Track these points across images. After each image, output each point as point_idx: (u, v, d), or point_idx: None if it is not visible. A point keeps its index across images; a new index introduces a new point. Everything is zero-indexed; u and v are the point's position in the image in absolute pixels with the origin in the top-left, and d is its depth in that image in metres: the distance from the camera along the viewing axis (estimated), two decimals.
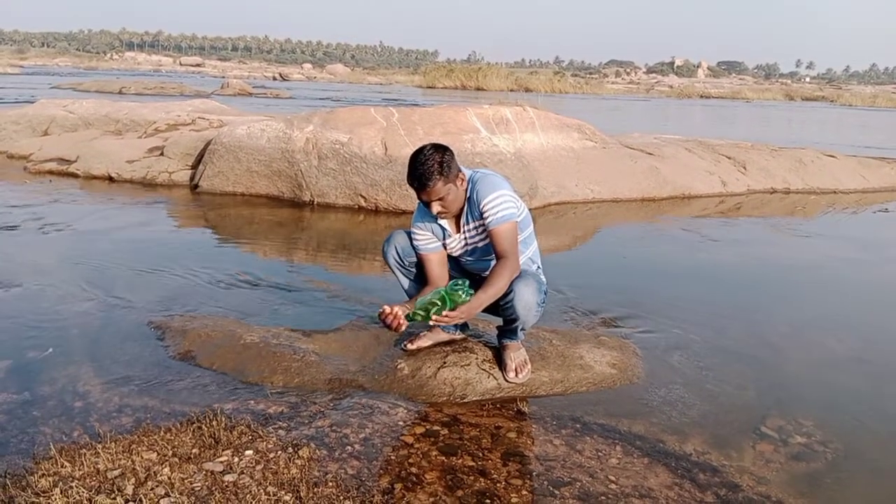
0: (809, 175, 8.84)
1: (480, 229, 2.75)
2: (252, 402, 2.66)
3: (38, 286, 3.97)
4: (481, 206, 2.65)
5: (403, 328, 2.66)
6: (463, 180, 2.69)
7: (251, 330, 3.26)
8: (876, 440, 2.60)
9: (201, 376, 2.88)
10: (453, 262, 2.93)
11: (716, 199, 7.96)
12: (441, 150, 2.63)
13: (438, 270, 2.87)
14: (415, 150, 2.67)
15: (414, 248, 2.87)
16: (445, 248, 2.88)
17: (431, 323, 2.60)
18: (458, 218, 2.79)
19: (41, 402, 2.62)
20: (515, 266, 2.66)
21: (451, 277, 2.88)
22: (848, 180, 8.94)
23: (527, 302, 2.68)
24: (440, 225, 2.80)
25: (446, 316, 2.54)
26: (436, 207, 2.67)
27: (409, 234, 2.89)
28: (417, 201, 2.77)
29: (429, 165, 2.57)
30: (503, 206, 2.62)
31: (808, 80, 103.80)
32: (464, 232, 2.80)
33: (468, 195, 2.71)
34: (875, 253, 5.90)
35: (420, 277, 2.94)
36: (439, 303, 2.53)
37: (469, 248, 2.84)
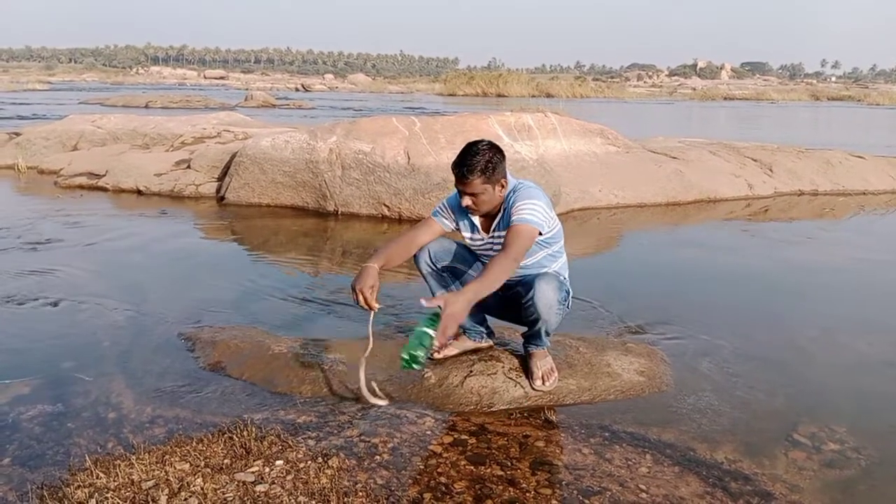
0: (838, 176, 8.71)
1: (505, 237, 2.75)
2: (282, 411, 2.69)
3: (71, 300, 4.04)
4: (514, 207, 2.66)
5: (377, 305, 2.62)
6: (503, 187, 2.70)
7: (279, 340, 3.30)
8: None
9: (231, 387, 2.91)
10: (473, 255, 2.95)
11: (742, 203, 7.88)
12: (494, 149, 2.67)
13: (426, 238, 2.88)
14: (470, 142, 2.70)
15: (433, 212, 2.92)
16: (468, 240, 2.90)
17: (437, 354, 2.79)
18: (491, 220, 2.81)
19: (75, 414, 2.67)
20: (513, 263, 2.53)
21: (467, 275, 2.92)
22: (877, 181, 8.80)
23: (548, 299, 2.67)
24: (471, 220, 2.83)
25: (441, 335, 2.37)
26: (466, 200, 2.70)
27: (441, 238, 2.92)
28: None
29: (476, 160, 2.61)
30: (530, 211, 2.63)
31: (833, 79, 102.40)
32: (492, 236, 2.81)
33: (505, 204, 2.73)
34: None
35: (450, 285, 2.94)
36: (430, 333, 2.40)
37: (494, 252, 2.85)
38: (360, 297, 2.59)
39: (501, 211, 2.75)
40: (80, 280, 4.43)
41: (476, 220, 2.83)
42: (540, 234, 2.67)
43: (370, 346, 2.73)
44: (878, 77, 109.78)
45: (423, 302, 2.43)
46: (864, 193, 8.50)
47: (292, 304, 4.06)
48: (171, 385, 2.93)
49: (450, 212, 2.88)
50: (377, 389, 2.72)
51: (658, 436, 2.53)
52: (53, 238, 5.59)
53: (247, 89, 41.15)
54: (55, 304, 3.97)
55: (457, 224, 2.90)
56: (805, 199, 8.22)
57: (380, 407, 2.68)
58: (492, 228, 2.80)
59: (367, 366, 2.73)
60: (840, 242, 6.13)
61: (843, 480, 2.29)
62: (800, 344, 3.57)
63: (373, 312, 2.66)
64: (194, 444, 2.39)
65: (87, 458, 2.30)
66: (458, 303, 2.35)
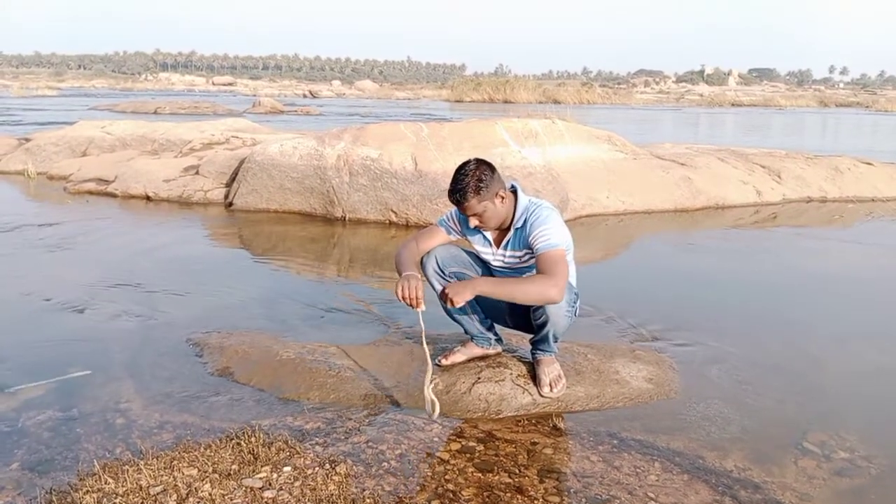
0: (846, 183, 8.67)
1: (517, 257, 2.79)
2: (289, 418, 2.69)
3: (80, 304, 4.06)
4: (530, 239, 2.67)
5: (423, 306, 2.63)
6: (504, 199, 2.70)
7: (287, 346, 3.30)
8: None
9: (239, 392, 2.92)
10: (480, 261, 2.95)
11: (750, 209, 7.85)
12: (482, 167, 2.66)
13: (431, 244, 2.90)
14: (460, 163, 2.72)
15: (439, 220, 2.95)
16: (481, 253, 2.92)
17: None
18: (503, 234, 2.82)
19: (84, 419, 2.68)
20: (552, 287, 2.53)
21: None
22: (886, 188, 8.75)
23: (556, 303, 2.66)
24: (483, 234, 2.84)
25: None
26: (473, 221, 2.73)
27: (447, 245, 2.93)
28: None
29: (465, 183, 2.63)
30: (546, 236, 2.63)
31: (841, 85, 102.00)
32: (503, 252, 2.84)
33: (518, 225, 2.74)
34: None
35: None
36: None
37: (505, 267, 2.87)
38: (412, 294, 2.59)
39: (512, 230, 2.76)
40: (88, 285, 4.45)
41: (488, 234, 2.85)
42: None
43: (429, 364, 2.70)
44: (887, 83, 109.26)
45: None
46: (873, 200, 8.46)
47: (300, 309, 4.07)
48: (179, 391, 2.93)
49: (457, 224, 2.90)
50: (434, 403, 2.68)
51: (667, 443, 2.52)
52: (62, 244, 5.62)
53: (255, 95, 41.33)
54: (64, 310, 3.98)
55: (464, 237, 2.92)
56: (814, 205, 8.19)
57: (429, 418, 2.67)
58: (503, 244, 2.82)
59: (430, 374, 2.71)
60: (849, 250, 6.09)
61: (853, 489, 2.27)
62: (809, 351, 3.54)
63: (420, 313, 2.66)
64: (202, 449, 2.39)
65: (95, 463, 2.31)
66: (461, 294, 2.54)
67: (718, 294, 4.67)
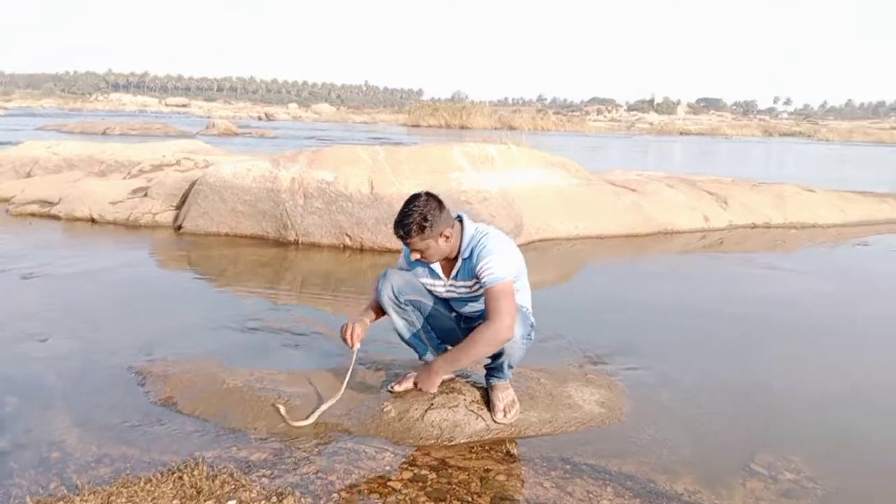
0: (790, 210, 8.95)
1: (467, 287, 2.79)
2: (235, 448, 2.61)
3: (17, 330, 3.89)
4: (476, 271, 2.69)
5: (357, 345, 2.84)
6: (449, 237, 2.71)
7: (234, 374, 3.21)
8: (864, 475, 2.59)
9: (183, 423, 2.82)
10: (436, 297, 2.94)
11: (698, 235, 8.03)
12: (430, 205, 2.66)
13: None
14: (410, 195, 2.72)
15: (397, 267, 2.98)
16: (430, 287, 2.90)
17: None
18: (451, 265, 2.81)
19: (17, 452, 2.55)
20: (502, 328, 2.59)
21: (430, 308, 2.94)
22: (827, 215, 9.06)
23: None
24: (430, 267, 2.83)
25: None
26: (415, 255, 2.76)
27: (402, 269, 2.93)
28: None
29: (409, 222, 2.64)
30: (490, 269, 2.64)
31: (785, 115, 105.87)
32: (454, 283, 2.84)
33: (465, 255, 2.74)
34: (857, 287, 5.94)
35: (413, 319, 2.93)
36: None
37: (455, 296, 2.88)
38: (346, 335, 2.84)
39: (460, 260, 2.76)
40: (26, 311, 4.27)
41: (436, 267, 2.84)
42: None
43: (342, 391, 2.89)
44: (828, 114, 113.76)
45: (396, 388, 2.90)
46: (814, 227, 8.74)
47: (249, 335, 3.97)
48: (119, 421, 2.82)
49: (404, 259, 2.92)
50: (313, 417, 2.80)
51: (618, 467, 2.52)
52: (0, 267, 5.40)
53: (209, 117, 40.83)
54: None
55: (411, 269, 2.92)
56: (758, 231, 8.42)
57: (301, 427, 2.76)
58: (452, 274, 2.82)
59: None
60: (792, 275, 6.26)
61: None
62: (756, 376, 3.61)
63: (354, 350, 2.87)
64: (142, 484, 2.30)
65: (28, 499, 2.19)
66: (430, 381, 2.83)
67: (668, 319, 4.73)
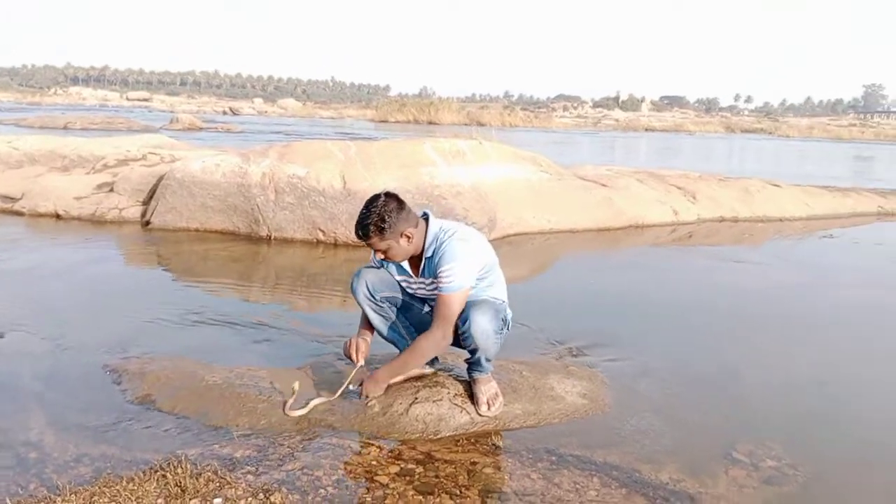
0: (756, 204, 9.13)
1: (433, 286, 2.79)
2: (217, 446, 2.56)
3: None
4: (437, 273, 2.70)
5: (362, 361, 2.87)
6: (410, 237, 2.70)
7: (213, 371, 3.16)
8: (842, 460, 2.66)
9: (163, 421, 2.76)
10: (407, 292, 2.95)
11: (668, 228, 8.15)
12: (389, 206, 2.65)
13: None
14: (370, 196, 2.71)
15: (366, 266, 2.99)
16: (400, 282, 2.92)
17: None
18: (417, 260, 2.81)
19: None
20: (442, 338, 2.72)
21: (406, 303, 2.95)
22: (793, 208, 9.26)
23: (483, 329, 2.68)
24: (399, 264, 2.84)
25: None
26: (378, 255, 2.78)
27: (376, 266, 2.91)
28: None
29: (368, 223, 2.64)
30: (448, 278, 2.66)
31: (746, 112, 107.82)
32: (420, 280, 2.85)
33: (429, 255, 2.74)
34: (826, 277, 6.09)
35: (390, 315, 2.93)
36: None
37: (424, 293, 2.89)
38: (351, 350, 2.88)
39: (424, 260, 2.77)
40: None
41: (405, 264, 2.85)
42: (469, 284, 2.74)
43: (340, 391, 2.87)
44: (788, 111, 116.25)
45: (351, 387, 2.87)
46: (781, 220, 8.93)
47: (225, 332, 3.91)
48: (96, 421, 2.75)
49: (377, 260, 2.89)
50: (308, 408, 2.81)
51: (604, 458, 2.54)
52: None
53: (172, 112, 40.07)
54: None
55: (383, 267, 2.92)
56: (726, 225, 8.57)
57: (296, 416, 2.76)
58: (420, 271, 2.82)
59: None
60: (761, 266, 6.39)
61: (783, 497, 2.35)
62: (731, 364, 3.68)
63: (359, 366, 2.89)
64: (124, 483, 2.25)
65: (7, 501, 2.13)
66: (375, 387, 2.83)
67: (643, 310, 4.79)
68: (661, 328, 4.34)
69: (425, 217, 2.80)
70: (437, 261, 2.69)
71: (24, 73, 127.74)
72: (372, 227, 2.64)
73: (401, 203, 2.69)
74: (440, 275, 2.67)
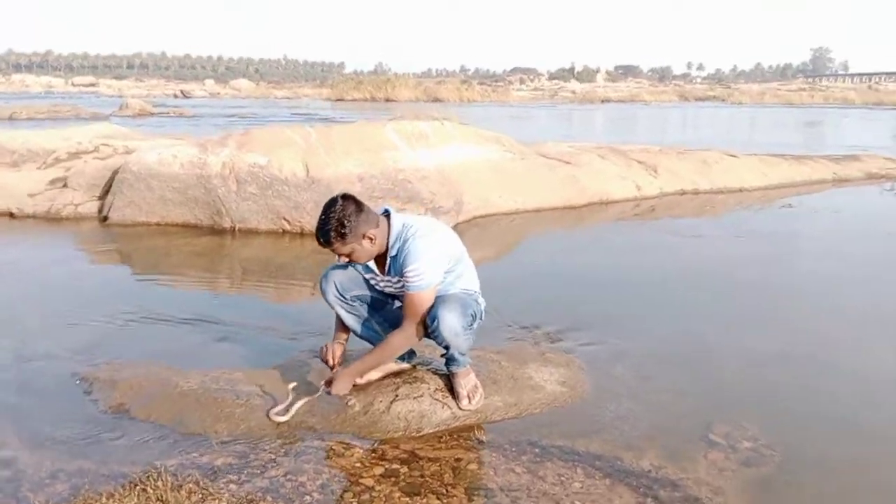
0: (715, 175, 9.27)
1: (400, 284, 2.76)
2: (196, 454, 2.52)
3: None
4: (403, 272, 2.67)
5: (339, 367, 2.85)
6: (373, 239, 2.67)
7: (187, 376, 3.10)
8: (816, 437, 2.74)
9: (138, 431, 2.71)
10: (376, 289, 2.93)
11: (631, 203, 8.23)
12: (347, 209, 2.61)
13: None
14: (328, 200, 2.67)
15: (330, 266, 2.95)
16: (367, 279, 2.90)
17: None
18: (383, 259, 2.78)
19: None
20: (412, 335, 2.73)
21: (377, 300, 2.94)
22: (751, 178, 9.43)
23: (451, 326, 2.67)
24: (365, 264, 2.81)
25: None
26: (342, 259, 2.74)
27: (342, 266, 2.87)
28: None
29: (328, 227, 2.60)
30: (416, 276, 2.64)
31: (699, 80, 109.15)
32: (387, 278, 2.83)
33: (393, 253, 2.71)
34: (788, 248, 6.23)
35: (362, 312, 2.92)
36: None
37: (392, 291, 2.87)
38: (328, 355, 2.87)
39: (389, 258, 2.74)
40: None
41: (371, 263, 2.82)
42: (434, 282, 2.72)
43: (319, 392, 2.86)
44: (739, 77, 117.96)
45: (323, 387, 2.84)
46: (741, 191, 9.09)
47: (194, 331, 3.84)
48: (69, 433, 2.68)
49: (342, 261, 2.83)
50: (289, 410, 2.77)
51: (586, 447, 2.57)
52: None
53: (121, 97, 38.90)
54: None
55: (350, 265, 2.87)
56: (687, 197, 8.70)
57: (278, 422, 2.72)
58: (385, 269, 2.80)
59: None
60: (724, 240, 6.51)
61: (762, 478, 2.41)
62: (702, 342, 3.75)
63: (335, 371, 2.88)
64: (104, 499, 2.20)
65: None
66: (341, 384, 2.81)
67: (612, 289, 4.85)
68: (632, 308, 4.39)
69: (386, 214, 2.77)
70: (401, 260, 2.67)
71: None
72: (332, 233, 2.60)
73: (359, 204, 2.66)
74: (406, 274, 2.65)
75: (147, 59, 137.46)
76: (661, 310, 4.36)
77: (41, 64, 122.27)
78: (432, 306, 2.69)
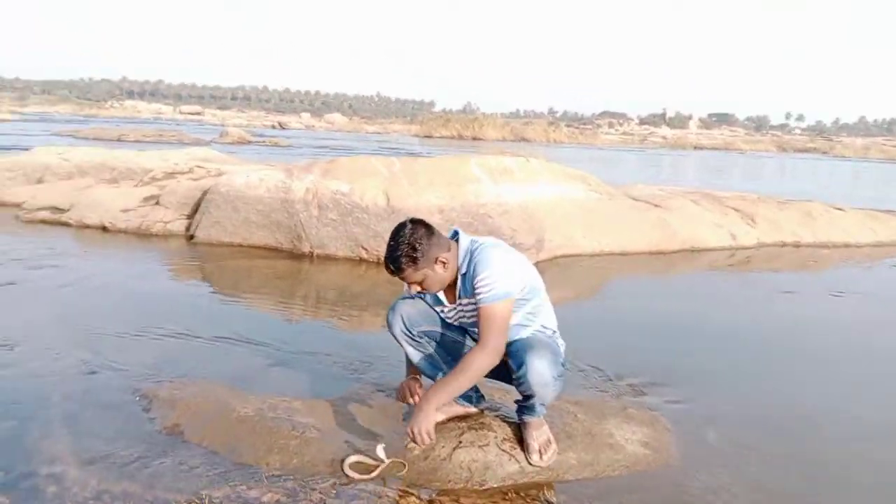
0: (819, 228, 8.66)
1: (473, 305, 2.52)
2: (245, 487, 2.37)
3: (21, 348, 3.68)
4: (474, 284, 2.44)
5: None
6: (446, 263, 2.46)
7: (246, 400, 2.98)
8: None
9: (189, 455, 2.59)
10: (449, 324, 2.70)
11: (726, 252, 7.76)
12: (417, 233, 2.41)
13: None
14: (395, 226, 2.48)
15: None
16: (438, 313, 2.68)
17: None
18: (453, 288, 2.57)
19: (12, 485, 2.36)
20: (493, 352, 2.40)
21: (446, 337, 2.69)
22: (859, 234, 8.76)
23: (541, 376, 2.42)
24: (435, 295, 2.61)
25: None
26: (414, 288, 2.52)
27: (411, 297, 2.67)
28: None
29: (398, 253, 2.40)
30: (488, 286, 2.39)
31: (798, 131, 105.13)
32: (458, 305, 2.60)
33: (463, 271, 2.50)
34: None
35: (428, 349, 2.70)
36: None
37: (467, 320, 2.63)
38: (406, 393, 2.64)
39: (459, 278, 2.52)
40: (34, 325, 4.07)
41: (440, 294, 2.60)
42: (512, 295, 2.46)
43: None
44: (841, 130, 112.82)
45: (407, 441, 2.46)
46: (847, 246, 8.44)
47: (262, 355, 3.74)
48: (122, 452, 2.59)
49: (411, 293, 2.64)
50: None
51: None
52: (7, 276, 5.20)
53: (222, 125, 40.89)
54: (1, 354, 3.60)
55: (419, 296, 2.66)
56: (788, 249, 8.14)
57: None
58: (456, 297, 2.58)
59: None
60: (828, 297, 5.98)
61: None
62: (808, 411, 3.35)
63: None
64: None
65: None
66: (423, 421, 2.38)
67: (703, 343, 4.47)
68: (725, 365, 4.01)
69: (455, 237, 2.57)
70: (471, 272, 2.44)
71: (81, 87, 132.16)
72: (404, 259, 2.40)
73: (429, 228, 2.46)
74: (477, 285, 2.40)
75: (250, 91, 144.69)
76: (760, 371, 3.95)
77: (152, 92, 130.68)
78: (518, 352, 2.46)
